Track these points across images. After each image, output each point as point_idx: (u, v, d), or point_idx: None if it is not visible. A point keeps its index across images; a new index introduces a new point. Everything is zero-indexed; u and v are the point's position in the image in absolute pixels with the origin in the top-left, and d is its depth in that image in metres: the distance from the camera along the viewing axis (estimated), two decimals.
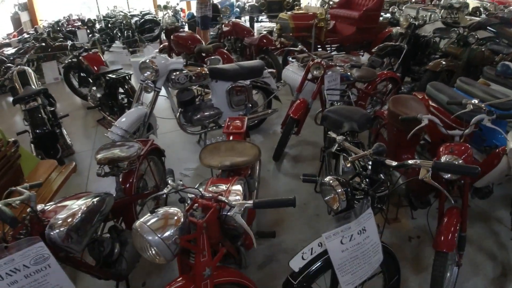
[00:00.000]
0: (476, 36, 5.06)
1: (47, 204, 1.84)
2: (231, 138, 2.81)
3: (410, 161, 1.55)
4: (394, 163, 1.56)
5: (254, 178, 2.91)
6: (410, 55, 5.58)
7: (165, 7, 8.87)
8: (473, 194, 3.05)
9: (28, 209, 1.62)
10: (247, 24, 11.03)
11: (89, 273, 1.96)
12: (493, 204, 3.25)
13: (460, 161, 1.99)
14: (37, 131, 3.59)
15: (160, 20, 9.24)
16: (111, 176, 2.33)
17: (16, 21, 11.81)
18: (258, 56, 5.50)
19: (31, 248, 1.40)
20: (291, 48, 3.82)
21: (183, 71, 3.64)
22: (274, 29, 6.58)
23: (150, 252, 1.46)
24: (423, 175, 1.45)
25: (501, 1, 12.45)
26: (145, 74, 3.50)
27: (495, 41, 5.95)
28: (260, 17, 11.67)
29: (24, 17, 12.01)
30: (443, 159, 2.04)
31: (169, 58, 3.66)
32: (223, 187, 1.89)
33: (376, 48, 5.30)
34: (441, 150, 2.13)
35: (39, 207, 1.76)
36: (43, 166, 3.10)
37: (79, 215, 1.73)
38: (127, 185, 2.48)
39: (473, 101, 2.47)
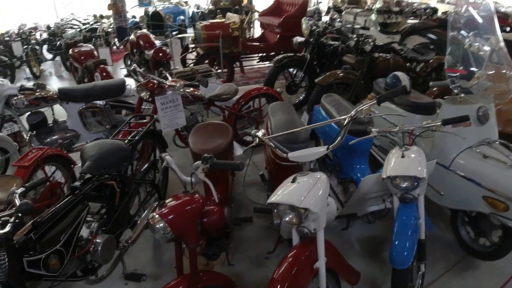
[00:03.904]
0: (372, 43, 4.66)
1: None
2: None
3: None
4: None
5: None
6: (317, 65, 5.30)
7: (101, 17, 8.70)
8: None
9: None
10: None
11: None
12: None
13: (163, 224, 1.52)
14: None
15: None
16: None
17: None
18: (157, 69, 5.28)
19: None
20: (130, 71, 3.60)
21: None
22: (190, 39, 6.36)
23: None
24: None
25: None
26: None
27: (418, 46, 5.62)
28: None
29: None
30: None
31: (4, 84, 3.52)
32: None
33: (274, 60, 5.02)
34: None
35: None
36: None
37: None
38: None
39: (258, 133, 2.16)
